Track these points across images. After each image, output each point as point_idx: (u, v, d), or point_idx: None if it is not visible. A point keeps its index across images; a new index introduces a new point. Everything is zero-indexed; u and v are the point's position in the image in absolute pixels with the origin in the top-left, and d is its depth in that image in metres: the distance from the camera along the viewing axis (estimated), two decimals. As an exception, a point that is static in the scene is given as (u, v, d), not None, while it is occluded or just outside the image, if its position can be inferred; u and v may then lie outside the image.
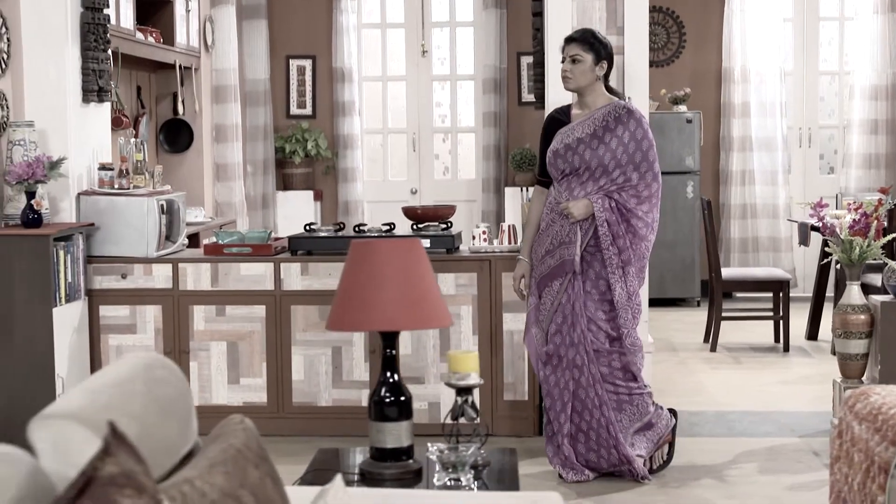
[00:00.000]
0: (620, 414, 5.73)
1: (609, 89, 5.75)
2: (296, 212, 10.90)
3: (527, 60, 11.03)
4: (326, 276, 6.49)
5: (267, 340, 6.56)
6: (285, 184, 11.18)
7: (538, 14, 6.65)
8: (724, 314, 8.90)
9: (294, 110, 11.40)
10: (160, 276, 6.62)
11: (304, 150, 11.02)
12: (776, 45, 11.10)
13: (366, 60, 11.43)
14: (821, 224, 6.38)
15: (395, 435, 3.80)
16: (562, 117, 5.76)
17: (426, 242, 6.47)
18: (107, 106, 7.15)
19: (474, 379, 3.89)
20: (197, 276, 6.59)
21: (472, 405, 3.92)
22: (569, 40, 5.69)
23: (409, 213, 6.76)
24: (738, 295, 11.02)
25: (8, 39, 6.48)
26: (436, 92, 11.52)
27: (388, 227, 6.70)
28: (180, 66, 9.13)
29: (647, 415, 5.79)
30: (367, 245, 3.76)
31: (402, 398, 3.80)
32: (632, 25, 6.46)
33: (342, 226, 6.83)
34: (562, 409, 5.74)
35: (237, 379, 6.60)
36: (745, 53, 11.13)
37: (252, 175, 10.72)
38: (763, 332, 9.39)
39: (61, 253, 6.26)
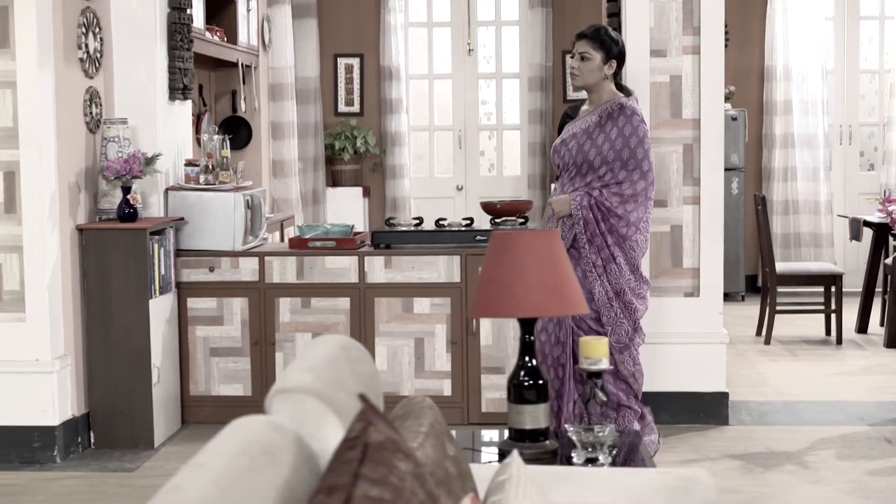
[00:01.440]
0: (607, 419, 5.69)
1: (619, 86, 5.74)
2: (345, 208, 11.09)
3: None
4: (409, 269, 6.67)
5: (351, 332, 6.73)
6: (334, 180, 11.36)
7: (614, 15, 6.82)
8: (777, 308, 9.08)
9: (342, 108, 11.58)
10: (247, 269, 6.80)
11: (353, 147, 11.20)
12: (818, 43, 11.28)
13: (412, 59, 11.62)
14: (889, 218, 6.56)
15: (534, 417, 3.98)
16: (572, 114, 5.87)
17: (506, 236, 6.64)
18: (189, 104, 7.34)
19: (604, 364, 4.08)
20: (282, 269, 6.77)
21: (602, 388, 4.11)
22: (580, 36, 5.69)
23: (488, 207, 6.93)
24: (782, 290, 11.18)
25: (101, 39, 6.66)
26: (481, 90, 11.70)
27: (468, 222, 6.88)
28: (242, 65, 9.31)
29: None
30: (509, 236, 3.94)
31: (540, 382, 3.98)
32: (708, 25, 6.62)
33: (421, 220, 7.01)
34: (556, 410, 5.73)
35: (322, 369, 6.77)
36: (788, 52, 11.32)
37: (303, 172, 10.89)
38: (813, 325, 9.57)
39: (155, 246, 6.44)
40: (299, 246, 6.84)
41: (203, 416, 6.87)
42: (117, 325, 6.36)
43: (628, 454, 4.09)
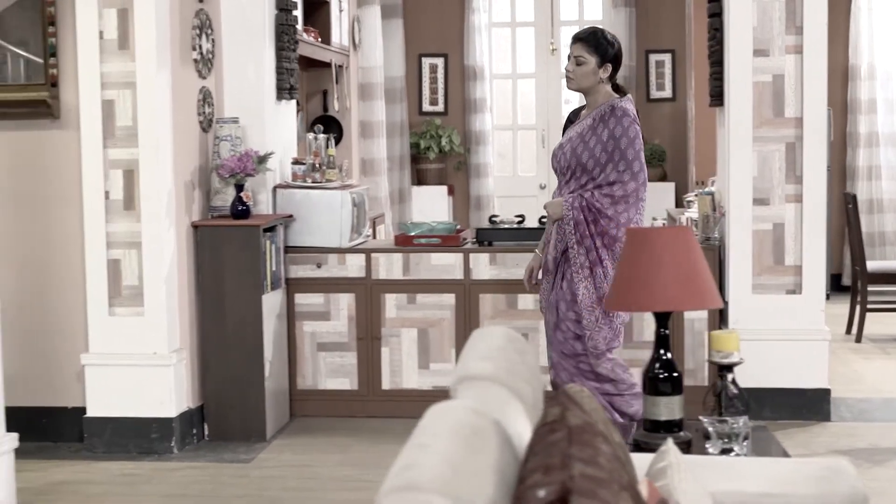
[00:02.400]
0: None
1: (616, 87, 5.71)
2: (430, 206, 11.22)
3: (655, 58, 11.32)
4: (514, 266, 6.77)
5: (456, 328, 6.85)
6: (419, 179, 11.50)
7: (716, 15, 6.89)
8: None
9: (426, 107, 11.71)
10: (353, 266, 6.93)
11: (438, 146, 11.33)
12: (903, 42, 11.29)
13: (496, 58, 11.73)
14: None
15: (669, 408, 4.08)
16: (573, 118, 5.90)
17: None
18: (294, 103, 7.49)
19: (736, 357, 4.17)
20: (388, 266, 6.90)
21: (734, 381, 4.19)
22: (575, 39, 5.66)
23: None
24: (871, 288, 11.17)
25: (212, 40, 6.81)
26: (564, 89, 11.75)
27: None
28: (335, 65, 9.45)
29: None
30: (645, 233, 4.05)
31: (675, 374, 4.08)
32: (810, 25, 6.68)
33: (523, 218, 7.11)
34: None
35: (427, 364, 6.91)
36: (872, 51, 11.33)
37: (389, 170, 11.02)
38: (897, 323, 9.61)
39: (267, 243, 6.58)
40: (405, 243, 6.96)
41: (310, 409, 7.02)
42: (231, 319, 6.51)
43: (762, 445, 4.18)
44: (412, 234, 7.01)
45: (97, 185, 6.29)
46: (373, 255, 6.94)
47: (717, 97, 6.97)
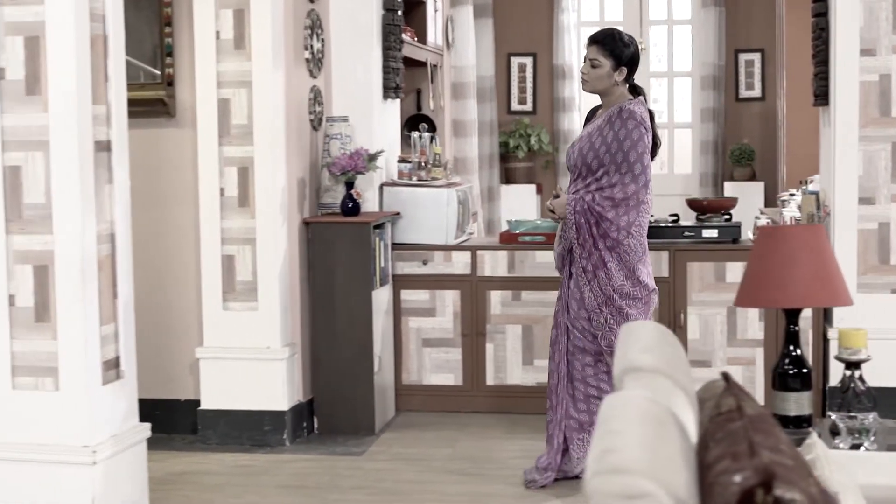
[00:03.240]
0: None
1: (634, 88, 5.75)
2: (518, 205, 11.28)
3: (745, 57, 11.32)
4: (618, 263, 6.82)
5: (560, 324, 6.91)
6: (507, 177, 11.57)
7: (821, 14, 6.90)
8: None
9: (515, 106, 11.78)
10: (459, 263, 7.02)
11: (528, 145, 11.40)
12: None
13: (584, 58, 11.76)
14: None
15: (798, 404, 4.12)
16: (591, 116, 5.92)
17: (714, 232, 6.80)
18: (398, 102, 7.59)
19: (864, 354, 4.21)
20: (494, 263, 6.98)
21: (861, 378, 4.23)
22: (591, 41, 5.70)
23: (694, 204, 7.07)
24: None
25: (322, 40, 6.93)
26: (652, 88, 11.81)
27: (674, 218, 7.03)
28: (430, 64, 9.55)
29: None
30: (777, 230, 4.10)
31: (804, 370, 4.12)
32: (918, 24, 6.68)
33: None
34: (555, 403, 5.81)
35: (531, 360, 6.98)
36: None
37: (479, 169, 11.11)
38: None
39: (376, 240, 6.69)
40: (509, 240, 7.04)
41: (414, 404, 7.11)
42: (341, 315, 6.62)
43: (891, 441, 4.21)
44: (517, 231, 7.08)
45: (212, 182, 6.43)
46: (478, 252, 7.03)
47: (822, 97, 6.98)
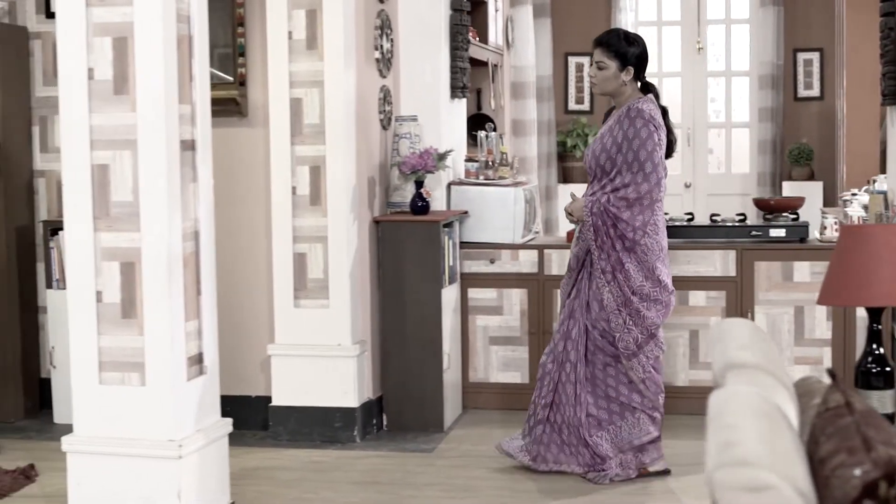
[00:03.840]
0: (621, 421, 5.72)
1: (645, 86, 5.74)
2: (576, 204, 11.29)
3: (803, 56, 11.29)
4: (685, 262, 6.85)
5: (627, 322, 6.93)
6: (565, 177, 11.60)
7: (890, 14, 6.90)
8: None
9: (572, 106, 11.81)
10: (526, 262, 7.06)
11: (585, 145, 11.41)
12: None
13: (642, 57, 11.77)
14: None
15: (882, 402, 4.15)
16: (606, 119, 5.93)
17: (781, 232, 6.81)
18: (465, 102, 7.64)
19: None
20: (561, 262, 7.01)
21: None
22: (596, 44, 5.72)
23: (761, 204, 7.08)
24: None
25: (391, 40, 6.99)
26: (710, 87, 11.82)
27: (741, 217, 7.04)
28: (491, 64, 9.59)
29: (645, 436, 5.74)
30: (861, 229, 4.12)
31: (887, 368, 4.15)
32: None
33: (692, 216, 7.18)
34: (544, 396, 5.87)
35: (598, 358, 7.00)
36: None
37: (537, 168, 11.14)
38: None
39: (445, 238, 6.74)
40: (576, 239, 7.07)
41: (481, 402, 7.16)
42: (411, 312, 6.67)
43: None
44: (584, 230, 7.11)
45: (284, 180, 6.50)
46: (545, 251, 7.06)
47: (892, 96, 6.98)
